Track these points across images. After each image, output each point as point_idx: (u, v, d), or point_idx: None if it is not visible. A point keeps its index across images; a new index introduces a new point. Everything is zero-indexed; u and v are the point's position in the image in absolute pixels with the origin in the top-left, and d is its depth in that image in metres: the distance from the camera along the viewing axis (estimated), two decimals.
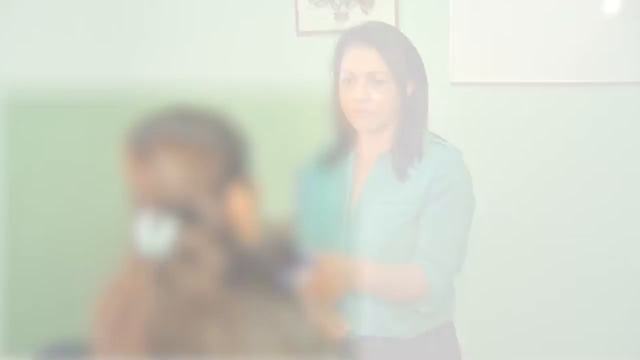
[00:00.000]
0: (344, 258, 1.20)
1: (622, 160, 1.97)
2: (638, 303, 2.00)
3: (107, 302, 0.66)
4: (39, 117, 2.39)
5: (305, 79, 2.35)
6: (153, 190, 0.64)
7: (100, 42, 2.69)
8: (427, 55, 1.41)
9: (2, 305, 2.25)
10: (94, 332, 0.66)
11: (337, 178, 1.41)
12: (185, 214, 0.63)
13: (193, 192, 0.64)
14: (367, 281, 1.16)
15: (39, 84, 2.38)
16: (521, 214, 2.13)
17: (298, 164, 0.77)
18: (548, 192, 2.09)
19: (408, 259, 1.30)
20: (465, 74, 2.08)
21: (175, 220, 0.63)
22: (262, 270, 0.68)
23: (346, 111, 1.34)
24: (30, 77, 2.38)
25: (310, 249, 0.73)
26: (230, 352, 0.62)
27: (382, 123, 1.34)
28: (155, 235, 0.62)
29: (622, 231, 2.00)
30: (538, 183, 2.09)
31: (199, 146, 0.66)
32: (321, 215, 1.38)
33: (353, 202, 1.37)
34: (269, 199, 0.72)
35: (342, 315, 1.17)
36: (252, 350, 0.63)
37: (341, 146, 1.43)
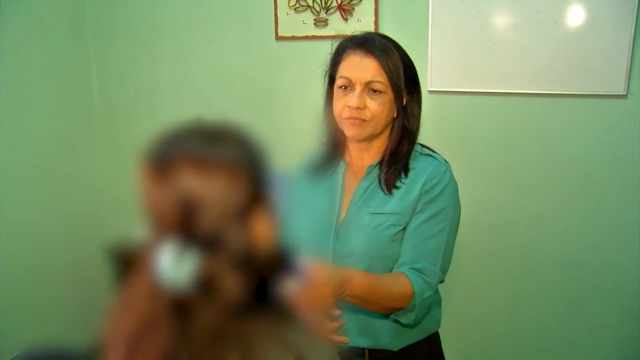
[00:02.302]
0: (332, 268, 1.21)
1: (589, 164, 2.02)
2: (624, 307, 2.06)
3: (121, 323, 0.63)
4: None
5: (283, 83, 2.38)
6: (175, 216, 0.61)
7: (86, 51, 2.67)
8: None
9: None
10: (105, 352, 0.63)
11: (327, 186, 1.40)
12: (211, 243, 0.60)
13: (220, 221, 0.61)
14: (354, 291, 1.15)
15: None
16: (494, 217, 2.18)
17: (287, 168, 0.75)
18: (518, 194, 2.14)
19: (395, 268, 1.30)
20: (441, 83, 2.13)
21: (199, 250, 0.60)
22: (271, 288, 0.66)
23: (339, 118, 1.32)
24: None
25: (300, 258, 0.73)
26: None
27: (375, 133, 1.32)
28: (178, 266, 0.59)
29: (599, 235, 2.05)
30: (509, 186, 2.14)
31: (221, 171, 0.63)
32: (310, 224, 1.37)
33: (342, 211, 1.36)
34: None
35: (334, 325, 1.18)
36: None
37: (331, 153, 1.42)
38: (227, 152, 0.65)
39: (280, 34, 2.32)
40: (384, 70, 1.26)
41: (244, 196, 0.63)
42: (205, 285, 0.60)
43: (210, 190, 0.61)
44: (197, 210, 0.61)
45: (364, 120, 1.28)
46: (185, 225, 0.61)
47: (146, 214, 0.65)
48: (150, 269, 0.61)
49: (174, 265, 0.59)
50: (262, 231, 0.65)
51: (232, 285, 0.62)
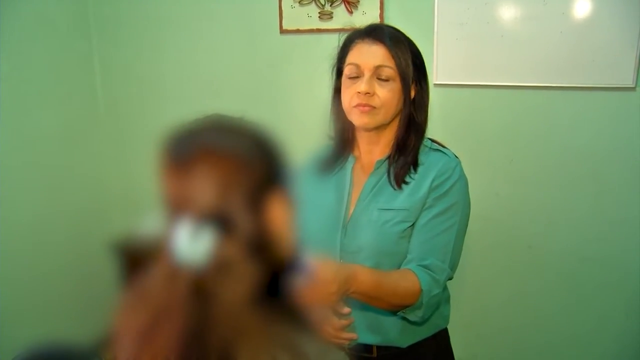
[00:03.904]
0: (338, 264, 1.20)
1: (596, 158, 2.01)
2: (629, 300, 2.05)
3: (131, 319, 0.63)
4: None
5: (288, 76, 2.37)
6: (191, 200, 0.63)
7: (89, 45, 2.66)
8: None
9: None
10: (115, 345, 0.63)
11: (335, 181, 1.39)
12: (223, 224, 0.62)
13: (231, 203, 0.63)
14: (360, 288, 1.14)
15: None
16: (499, 211, 2.16)
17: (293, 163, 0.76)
18: (523, 188, 2.12)
19: (403, 265, 1.28)
20: (447, 76, 2.11)
21: (213, 229, 0.61)
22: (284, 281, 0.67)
23: (348, 107, 1.30)
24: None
25: (307, 255, 0.72)
26: None
27: (383, 123, 1.31)
28: (194, 244, 0.60)
29: (605, 229, 2.04)
30: (515, 180, 2.13)
31: (236, 157, 0.65)
32: (318, 219, 1.36)
33: (350, 207, 1.35)
34: None
35: (342, 322, 1.17)
36: None
37: (340, 149, 1.41)
38: (238, 142, 0.67)
39: (284, 27, 2.30)
40: (393, 56, 1.26)
41: (255, 183, 0.65)
42: (222, 266, 0.61)
43: (221, 177, 0.63)
44: (209, 195, 0.62)
45: (374, 107, 1.27)
46: (198, 208, 0.62)
47: (165, 205, 0.66)
48: (167, 255, 0.61)
49: (189, 243, 0.61)
50: (278, 217, 0.66)
51: (248, 270, 0.62)
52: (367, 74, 1.26)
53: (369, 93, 1.25)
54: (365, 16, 2.14)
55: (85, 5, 2.61)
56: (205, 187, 0.62)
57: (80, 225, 2.64)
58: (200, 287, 0.61)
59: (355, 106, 1.28)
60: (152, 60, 2.60)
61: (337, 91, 1.35)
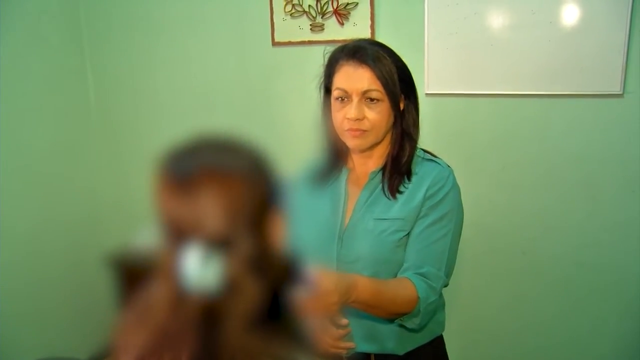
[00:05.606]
0: (338, 274, 1.21)
1: (587, 164, 2.03)
2: (624, 305, 2.06)
3: (133, 338, 0.62)
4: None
5: (281, 88, 2.38)
6: (198, 223, 0.61)
7: (81, 59, 2.67)
8: None
9: None
10: None
11: (330, 193, 1.40)
12: (231, 247, 0.61)
13: (238, 225, 0.62)
14: (360, 297, 1.15)
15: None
16: (492, 217, 2.18)
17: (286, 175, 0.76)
18: (516, 195, 2.14)
19: (400, 273, 1.30)
20: (439, 85, 2.13)
21: (223, 254, 0.60)
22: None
23: (340, 130, 1.32)
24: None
25: (307, 266, 0.72)
26: None
27: (375, 142, 1.33)
28: (204, 270, 0.59)
29: (598, 234, 2.05)
30: (507, 187, 2.15)
31: (240, 179, 0.64)
32: (313, 231, 1.37)
33: (346, 217, 1.36)
34: None
35: (340, 332, 1.18)
36: None
37: (333, 161, 1.42)
38: (242, 160, 0.66)
39: (276, 39, 2.32)
40: (379, 78, 1.26)
41: (257, 203, 0.64)
42: (231, 289, 0.60)
43: (226, 198, 0.62)
44: (214, 217, 0.61)
45: (365, 131, 1.28)
46: (204, 231, 0.61)
47: (163, 225, 0.64)
48: (172, 278, 0.60)
49: (200, 269, 0.59)
50: (277, 235, 0.66)
51: (253, 291, 0.62)
52: (355, 99, 1.26)
53: (358, 119, 1.27)
54: (356, 27, 2.16)
55: (78, 19, 2.63)
56: (212, 210, 0.61)
57: (75, 236, 2.64)
58: (210, 312, 0.60)
59: (346, 130, 1.29)
60: (144, 73, 2.61)
61: (326, 108, 1.36)
